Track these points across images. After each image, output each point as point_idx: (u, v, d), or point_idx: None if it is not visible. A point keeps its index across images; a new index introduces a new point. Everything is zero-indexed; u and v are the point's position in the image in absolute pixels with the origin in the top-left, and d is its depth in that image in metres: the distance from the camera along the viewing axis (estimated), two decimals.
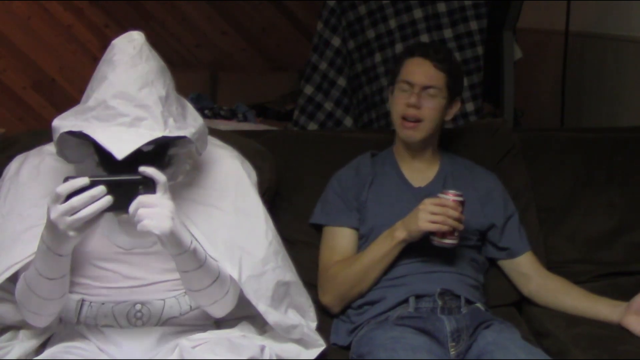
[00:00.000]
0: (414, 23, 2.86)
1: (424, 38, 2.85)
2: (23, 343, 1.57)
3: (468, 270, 1.87)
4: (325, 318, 1.87)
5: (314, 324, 1.70)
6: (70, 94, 4.77)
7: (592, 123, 3.30)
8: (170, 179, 1.48)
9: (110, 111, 1.38)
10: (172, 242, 1.37)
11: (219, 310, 1.56)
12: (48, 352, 1.52)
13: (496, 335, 1.69)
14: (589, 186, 2.20)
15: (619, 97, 3.12)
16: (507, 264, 1.97)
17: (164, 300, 1.54)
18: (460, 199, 1.74)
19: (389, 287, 1.82)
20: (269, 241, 1.65)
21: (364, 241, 1.90)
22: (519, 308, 2.01)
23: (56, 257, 1.37)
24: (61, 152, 1.50)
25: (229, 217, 1.62)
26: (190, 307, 1.57)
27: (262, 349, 1.54)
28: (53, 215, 1.30)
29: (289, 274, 1.67)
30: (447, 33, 2.85)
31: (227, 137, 1.86)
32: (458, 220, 1.73)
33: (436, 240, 1.75)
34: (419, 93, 1.88)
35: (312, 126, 2.96)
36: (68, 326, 1.58)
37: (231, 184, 1.67)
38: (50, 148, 1.64)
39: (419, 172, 1.98)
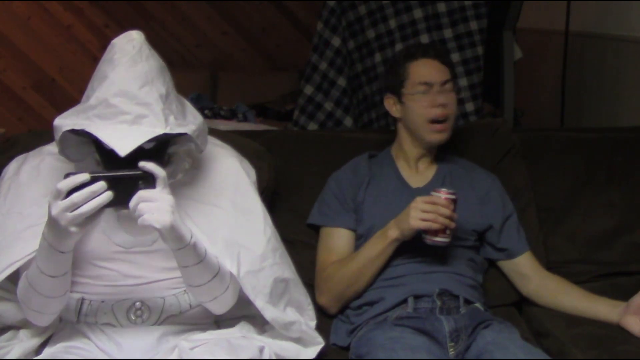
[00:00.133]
0: (414, 23, 2.86)
1: (424, 38, 2.85)
2: (23, 343, 1.57)
3: (466, 270, 1.87)
4: (325, 318, 1.87)
5: (313, 323, 1.70)
6: (70, 94, 4.77)
7: (592, 123, 3.30)
8: (170, 177, 1.49)
9: (112, 109, 1.39)
10: (172, 236, 1.38)
11: (219, 306, 1.57)
12: (48, 352, 1.52)
13: (495, 335, 1.69)
14: (589, 186, 2.20)
15: (619, 97, 3.12)
16: (506, 265, 1.97)
17: (163, 298, 1.55)
18: (452, 197, 1.74)
19: (388, 287, 1.82)
20: (268, 238, 1.65)
21: (362, 241, 1.90)
22: (518, 308, 2.01)
23: (58, 254, 1.38)
24: (63, 151, 1.51)
25: (228, 215, 1.62)
26: (190, 305, 1.57)
27: (262, 349, 1.54)
28: (54, 212, 1.30)
29: (288, 271, 1.67)
30: (447, 33, 2.85)
31: (226, 137, 1.87)
32: (450, 218, 1.73)
33: (428, 239, 1.75)
34: (439, 90, 1.88)
35: (312, 126, 2.96)
36: (68, 325, 1.59)
37: (230, 182, 1.67)
38: (50, 148, 1.65)
39: (418, 172, 1.98)
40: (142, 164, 1.35)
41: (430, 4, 2.84)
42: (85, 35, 4.82)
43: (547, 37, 3.72)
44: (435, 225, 1.72)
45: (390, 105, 1.97)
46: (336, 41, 2.92)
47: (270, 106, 4.23)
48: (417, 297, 1.78)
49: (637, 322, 1.73)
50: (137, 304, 1.54)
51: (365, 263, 1.82)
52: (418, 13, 2.85)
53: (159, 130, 1.41)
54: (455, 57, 2.84)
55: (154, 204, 1.34)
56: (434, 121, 1.90)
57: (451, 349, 1.69)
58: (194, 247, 1.43)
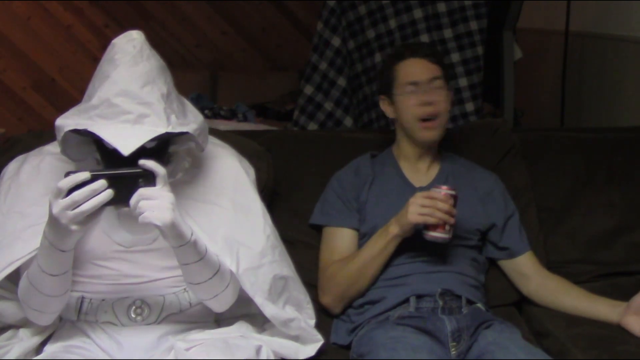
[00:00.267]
0: (414, 23, 2.86)
1: (424, 38, 2.85)
2: (23, 342, 1.57)
3: (469, 270, 1.87)
4: (326, 318, 1.87)
5: (312, 321, 1.70)
6: (70, 94, 4.77)
7: (592, 123, 3.30)
8: (170, 176, 1.49)
9: (114, 109, 1.40)
10: (173, 234, 1.38)
11: (220, 304, 1.57)
12: (49, 351, 1.52)
13: (497, 335, 1.69)
14: (589, 186, 2.20)
15: (619, 97, 3.12)
16: (507, 264, 1.97)
17: (163, 296, 1.55)
18: (451, 192, 1.74)
19: (390, 287, 1.82)
20: (267, 235, 1.66)
21: (365, 241, 1.90)
22: (519, 308, 2.01)
23: (59, 253, 1.38)
24: (64, 151, 1.51)
25: (228, 214, 1.63)
26: (190, 303, 1.57)
27: (259, 348, 1.54)
28: (55, 210, 1.31)
29: (287, 269, 1.68)
30: (447, 33, 2.85)
31: (226, 137, 1.87)
32: (448, 213, 1.73)
33: (427, 234, 1.76)
34: (426, 89, 1.88)
35: (312, 126, 2.96)
36: (68, 324, 1.59)
37: (229, 180, 1.68)
38: (50, 148, 1.65)
39: (420, 172, 1.98)
40: (143, 161, 1.36)
41: (430, 4, 2.84)
42: (85, 35, 4.82)
43: (547, 37, 3.72)
44: (432, 220, 1.73)
45: (385, 106, 1.98)
46: (336, 41, 2.92)
47: (270, 106, 4.23)
48: (419, 297, 1.79)
49: (638, 322, 1.73)
50: (138, 302, 1.54)
51: (367, 260, 1.82)
52: (418, 13, 2.86)
53: (161, 129, 1.41)
54: (455, 57, 2.84)
55: (154, 202, 1.34)
56: (424, 119, 1.90)
57: (453, 349, 1.69)
58: (194, 245, 1.43)
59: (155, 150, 1.47)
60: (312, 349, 1.65)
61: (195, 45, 4.99)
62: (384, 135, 2.18)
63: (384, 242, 1.80)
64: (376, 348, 1.63)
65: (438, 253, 1.84)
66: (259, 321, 1.68)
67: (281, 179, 2.08)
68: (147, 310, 1.55)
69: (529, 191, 2.15)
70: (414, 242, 1.81)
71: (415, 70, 1.91)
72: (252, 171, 1.77)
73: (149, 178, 1.36)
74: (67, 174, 1.32)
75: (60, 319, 1.60)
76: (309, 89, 2.96)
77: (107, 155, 1.45)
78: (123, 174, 1.35)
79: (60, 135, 1.44)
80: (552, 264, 2.04)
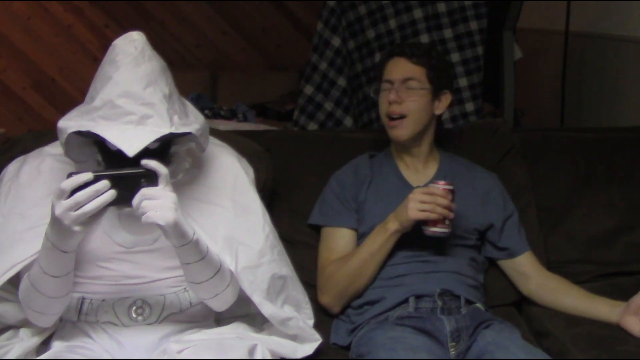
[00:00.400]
0: (414, 23, 2.86)
1: (424, 38, 2.85)
2: (23, 342, 1.57)
3: (467, 270, 1.87)
4: (325, 318, 1.87)
5: (310, 322, 1.71)
6: (70, 94, 4.77)
7: (592, 123, 3.30)
8: (171, 177, 1.49)
9: (117, 110, 1.40)
10: (176, 233, 1.38)
11: (220, 303, 1.57)
12: (52, 351, 1.52)
13: (496, 335, 1.69)
14: (589, 186, 2.20)
15: (619, 97, 3.12)
16: (506, 264, 1.97)
17: (164, 295, 1.55)
18: (449, 187, 1.76)
19: (389, 287, 1.82)
20: (266, 235, 1.66)
21: (363, 240, 1.90)
22: (518, 308, 2.01)
23: (61, 254, 1.38)
24: (67, 153, 1.51)
25: (228, 213, 1.63)
26: (190, 303, 1.57)
27: (253, 348, 1.53)
28: (58, 211, 1.31)
29: (285, 269, 1.68)
30: (447, 33, 2.85)
31: (226, 137, 1.87)
32: (448, 208, 1.74)
33: (427, 230, 1.76)
34: (398, 88, 1.89)
35: (312, 126, 2.96)
36: (68, 324, 1.59)
37: (229, 180, 1.68)
38: (49, 149, 1.65)
39: (418, 171, 1.98)
40: (145, 161, 1.36)
41: (430, 4, 2.84)
42: (85, 35, 4.82)
43: (547, 37, 3.72)
44: (433, 216, 1.73)
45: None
46: (336, 41, 2.92)
47: (270, 106, 4.23)
48: (418, 297, 1.79)
49: (637, 322, 1.73)
50: (138, 302, 1.54)
51: (366, 258, 1.82)
52: (418, 13, 2.86)
53: (165, 130, 1.42)
54: (455, 57, 2.84)
55: (157, 202, 1.34)
56: (391, 118, 1.91)
57: (452, 349, 1.69)
58: (196, 244, 1.44)
59: (157, 151, 1.47)
60: (310, 348, 1.66)
61: (195, 45, 4.99)
62: (384, 135, 2.17)
63: (383, 238, 1.81)
64: (375, 348, 1.63)
65: (437, 253, 1.84)
66: (259, 321, 1.68)
67: (281, 179, 2.08)
68: (148, 310, 1.55)
69: (529, 191, 2.15)
70: (412, 242, 1.81)
71: (392, 68, 1.93)
72: (251, 171, 1.78)
73: (152, 178, 1.36)
74: (70, 175, 1.32)
75: (61, 319, 1.59)
76: (309, 89, 2.96)
77: (109, 156, 1.46)
78: (126, 174, 1.35)
79: (63, 137, 1.44)
80: (552, 264, 2.04)
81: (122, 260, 1.54)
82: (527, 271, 1.95)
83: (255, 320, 1.68)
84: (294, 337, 1.65)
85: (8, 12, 4.69)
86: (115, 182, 1.33)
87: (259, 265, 1.60)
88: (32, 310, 1.49)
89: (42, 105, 4.85)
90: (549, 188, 2.19)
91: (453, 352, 1.69)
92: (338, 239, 1.92)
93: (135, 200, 1.34)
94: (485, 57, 2.87)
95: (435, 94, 1.93)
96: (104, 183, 1.32)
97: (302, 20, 4.99)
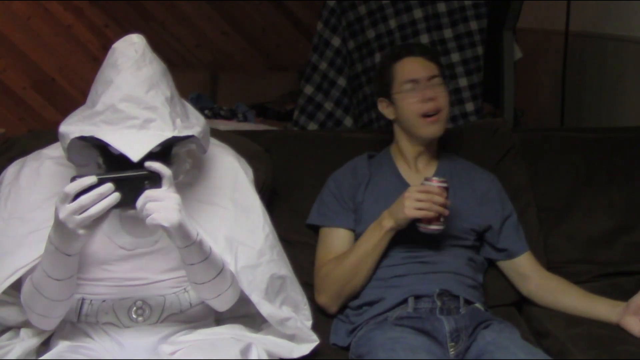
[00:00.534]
0: (414, 23, 2.86)
1: (424, 38, 2.85)
2: (24, 342, 1.57)
3: (466, 270, 1.87)
4: (324, 318, 1.87)
5: (309, 323, 1.71)
6: (70, 94, 4.77)
7: (592, 123, 3.30)
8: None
9: (119, 114, 1.39)
10: (180, 234, 1.38)
11: (222, 303, 1.57)
12: (54, 351, 1.52)
13: (496, 335, 1.69)
14: (589, 186, 2.20)
15: (619, 97, 3.12)
16: (506, 265, 1.97)
17: (164, 296, 1.55)
18: (444, 184, 1.76)
19: (388, 287, 1.82)
20: (266, 235, 1.66)
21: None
22: (518, 308, 2.01)
23: (65, 258, 1.38)
24: (70, 157, 1.50)
25: (229, 214, 1.63)
26: (190, 304, 1.57)
27: (247, 348, 1.53)
28: (62, 215, 1.30)
29: (284, 269, 1.68)
30: (447, 33, 2.85)
31: (226, 137, 1.87)
32: (443, 205, 1.74)
33: (422, 227, 1.77)
34: (426, 86, 1.89)
35: (312, 126, 2.96)
36: (68, 324, 1.59)
37: (229, 180, 1.68)
38: (48, 152, 1.64)
39: (417, 171, 1.98)
40: (149, 163, 1.35)
41: (430, 4, 2.84)
42: (85, 35, 4.82)
43: (547, 37, 3.72)
44: (430, 214, 1.74)
45: (383, 107, 1.98)
46: (336, 41, 2.92)
47: (270, 106, 4.23)
48: (417, 297, 1.79)
49: (637, 322, 1.73)
50: (138, 302, 1.54)
51: (361, 256, 1.83)
52: (418, 13, 2.86)
53: (168, 133, 1.41)
54: (455, 57, 2.84)
55: (161, 203, 1.34)
56: (426, 115, 1.91)
57: (451, 349, 1.69)
58: (200, 245, 1.44)
59: (159, 153, 1.47)
60: (306, 348, 1.66)
61: (195, 45, 4.99)
62: (384, 135, 2.18)
63: (378, 236, 1.81)
64: (375, 349, 1.63)
65: (435, 253, 1.84)
66: (258, 321, 1.68)
67: (281, 179, 2.08)
68: (148, 311, 1.55)
69: (529, 191, 2.15)
70: (409, 241, 1.81)
71: (413, 68, 1.92)
72: (250, 171, 1.78)
73: (155, 180, 1.36)
74: (73, 179, 1.31)
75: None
76: (309, 89, 2.96)
77: (111, 159, 1.45)
78: (129, 177, 1.34)
79: (65, 142, 1.43)
80: (552, 264, 2.04)
81: (123, 262, 1.54)
82: (526, 272, 1.95)
83: (255, 320, 1.68)
84: (291, 337, 1.65)
85: (8, 12, 4.69)
86: (119, 184, 1.33)
87: (258, 265, 1.61)
88: (35, 313, 1.48)
89: (42, 105, 4.86)
90: (548, 188, 2.19)
91: (452, 352, 1.69)
92: (335, 239, 1.92)
93: (139, 202, 1.34)
94: (485, 57, 2.87)
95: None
96: (108, 186, 1.31)
97: (302, 20, 4.99)
